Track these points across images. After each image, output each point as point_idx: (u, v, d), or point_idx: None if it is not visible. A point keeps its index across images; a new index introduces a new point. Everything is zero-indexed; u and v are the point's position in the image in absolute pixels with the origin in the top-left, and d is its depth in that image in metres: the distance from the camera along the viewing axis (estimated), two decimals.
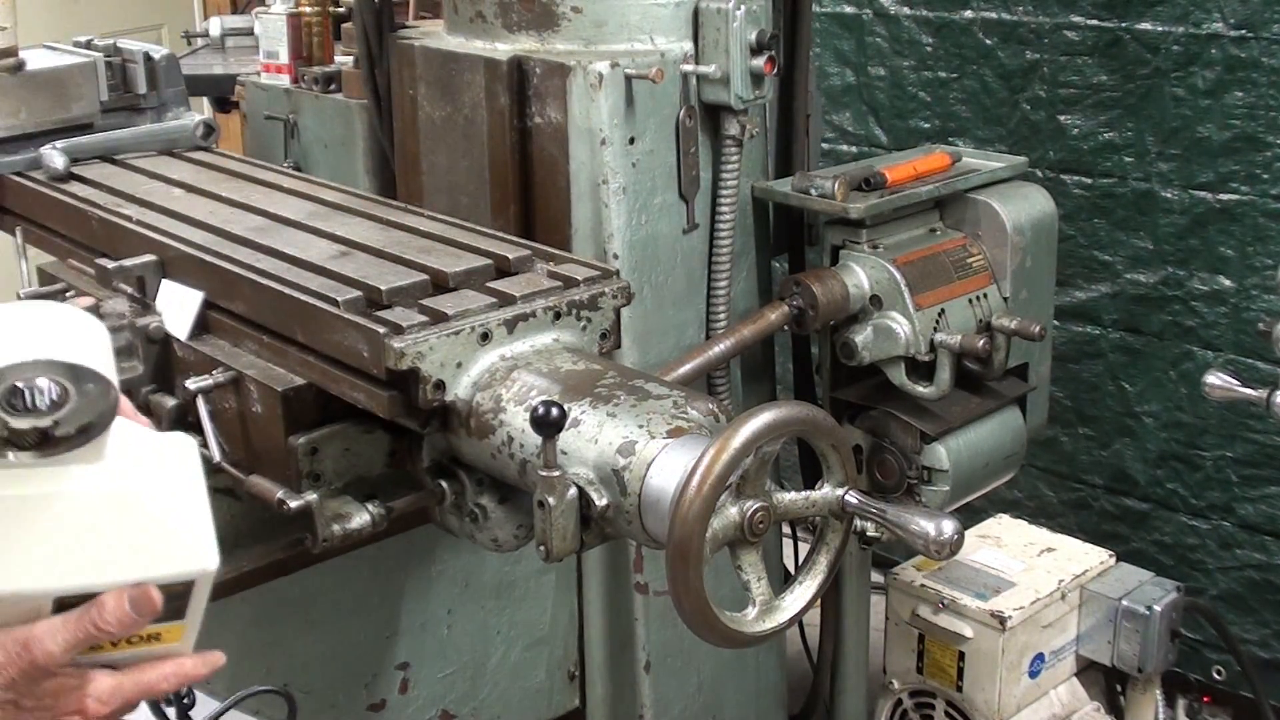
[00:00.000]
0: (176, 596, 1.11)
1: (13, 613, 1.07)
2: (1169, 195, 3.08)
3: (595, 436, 1.49)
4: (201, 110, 3.02)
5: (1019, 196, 2.51)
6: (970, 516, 2.88)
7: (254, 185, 2.30)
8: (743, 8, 2.20)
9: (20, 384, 1.05)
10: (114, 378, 1.09)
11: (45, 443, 1.07)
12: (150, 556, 1.09)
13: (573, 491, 1.46)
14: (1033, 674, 2.63)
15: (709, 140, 2.29)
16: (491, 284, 1.75)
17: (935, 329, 2.31)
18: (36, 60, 2.44)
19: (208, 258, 1.91)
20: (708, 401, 1.56)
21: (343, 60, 2.92)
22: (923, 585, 2.64)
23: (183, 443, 1.17)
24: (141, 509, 1.10)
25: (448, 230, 1.99)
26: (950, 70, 3.40)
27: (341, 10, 3.06)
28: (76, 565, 1.08)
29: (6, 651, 1.06)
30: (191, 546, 1.11)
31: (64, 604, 1.07)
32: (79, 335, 1.10)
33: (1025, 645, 2.59)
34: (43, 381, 1.06)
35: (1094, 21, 3.12)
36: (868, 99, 3.58)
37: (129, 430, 1.14)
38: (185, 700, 1.51)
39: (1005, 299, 2.45)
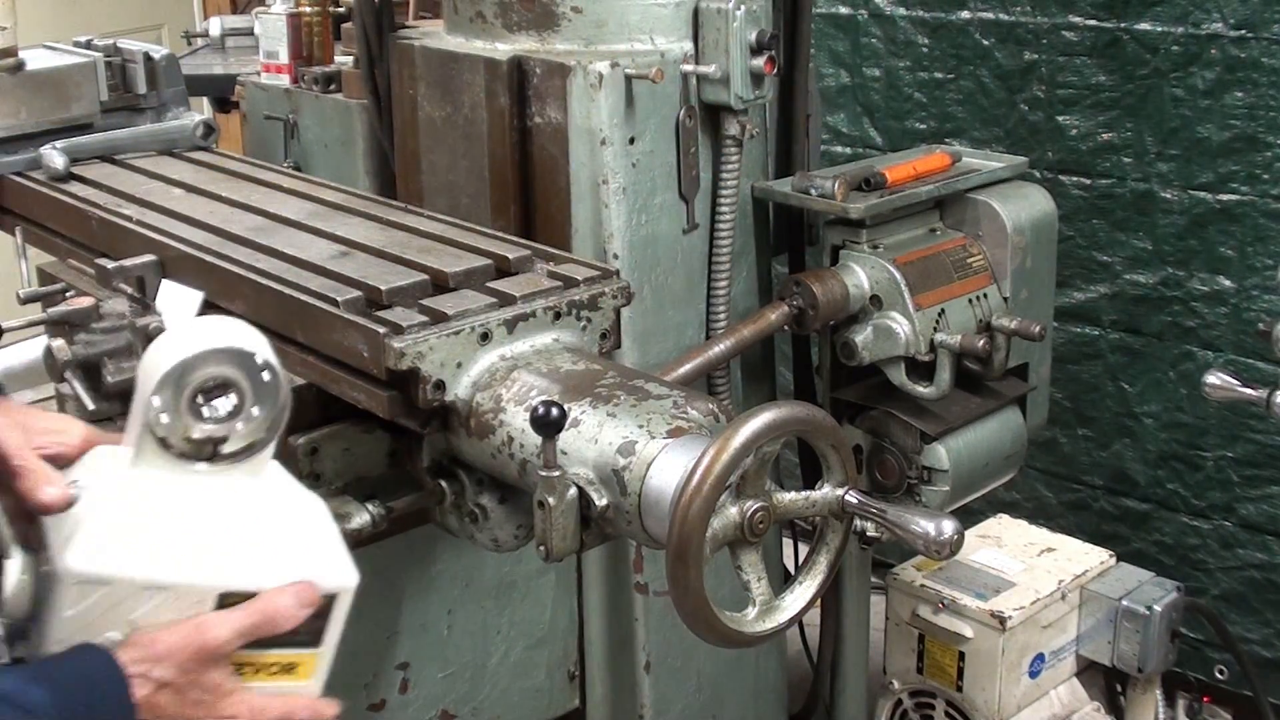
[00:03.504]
0: (318, 616, 1.22)
1: (178, 606, 1.16)
2: (1168, 196, 3.08)
3: (595, 436, 1.49)
4: (201, 110, 3.02)
5: (1019, 196, 2.51)
6: (969, 518, 2.88)
7: (254, 185, 2.30)
8: (743, 8, 2.20)
9: (204, 390, 1.19)
10: (284, 378, 1.22)
11: (216, 456, 1.20)
12: (304, 568, 1.21)
13: (573, 491, 1.46)
14: (1033, 674, 2.63)
15: (709, 140, 2.29)
16: (491, 284, 1.75)
17: (935, 329, 2.31)
18: (36, 60, 2.44)
19: (208, 258, 1.91)
20: (708, 401, 1.56)
21: (343, 60, 2.92)
22: (923, 585, 2.64)
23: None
24: (298, 525, 1.23)
25: (448, 230, 1.99)
26: (947, 71, 3.39)
27: (341, 10, 3.06)
28: (241, 567, 1.19)
29: (181, 634, 1.14)
30: (336, 565, 1.24)
31: (225, 602, 1.17)
32: (251, 339, 1.23)
33: (1025, 645, 2.59)
34: (222, 393, 1.20)
35: (1092, 22, 3.12)
36: (863, 100, 3.57)
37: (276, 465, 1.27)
38: None
39: (1005, 299, 2.45)
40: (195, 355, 1.19)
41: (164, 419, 1.19)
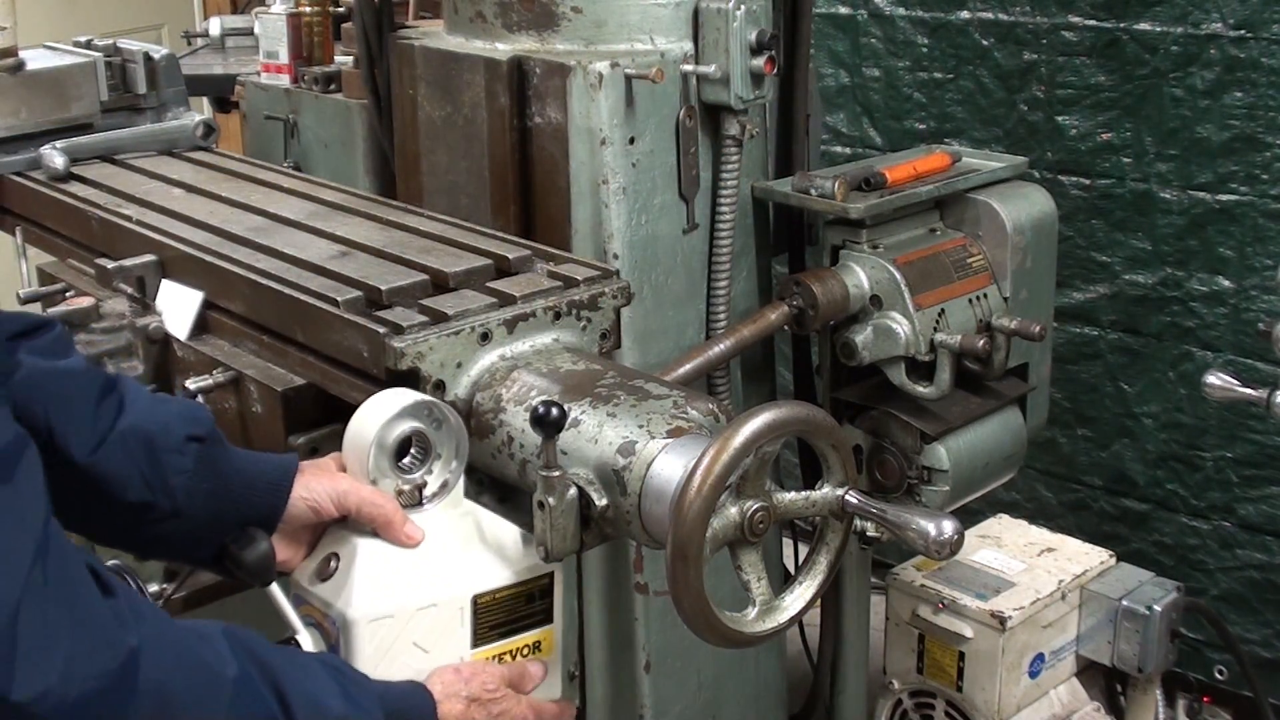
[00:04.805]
0: (543, 595, 1.49)
1: (445, 617, 1.43)
2: (1167, 196, 3.08)
3: (595, 436, 1.50)
4: (201, 110, 3.03)
5: (1019, 196, 2.51)
6: (969, 518, 2.88)
7: (254, 185, 2.30)
8: (743, 8, 2.20)
9: (399, 446, 1.48)
10: (456, 421, 1.51)
11: (422, 500, 1.50)
12: (520, 563, 1.48)
13: (573, 491, 1.46)
14: (1033, 674, 2.63)
15: (709, 140, 2.29)
16: (491, 284, 1.76)
17: (935, 329, 2.31)
18: (36, 60, 2.44)
19: (208, 258, 1.91)
20: (708, 401, 1.56)
21: (343, 60, 2.92)
22: (923, 585, 2.64)
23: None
24: (498, 532, 1.50)
25: (448, 230, 2.00)
26: (946, 71, 3.39)
27: (341, 10, 3.06)
28: (478, 573, 1.45)
29: (475, 668, 1.43)
30: (535, 554, 1.47)
31: (478, 602, 1.44)
32: (419, 395, 1.52)
33: (1025, 645, 2.59)
34: (411, 449, 1.49)
35: (1092, 22, 3.12)
36: (862, 100, 3.57)
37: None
38: None
39: (1005, 299, 2.45)
40: (388, 421, 1.46)
41: (379, 483, 1.47)
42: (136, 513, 1.40)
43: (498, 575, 1.46)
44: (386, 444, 1.47)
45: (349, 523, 1.48)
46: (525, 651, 1.49)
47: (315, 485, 1.47)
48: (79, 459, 1.36)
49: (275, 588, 1.47)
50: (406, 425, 1.48)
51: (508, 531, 1.51)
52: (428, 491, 1.50)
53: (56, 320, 1.46)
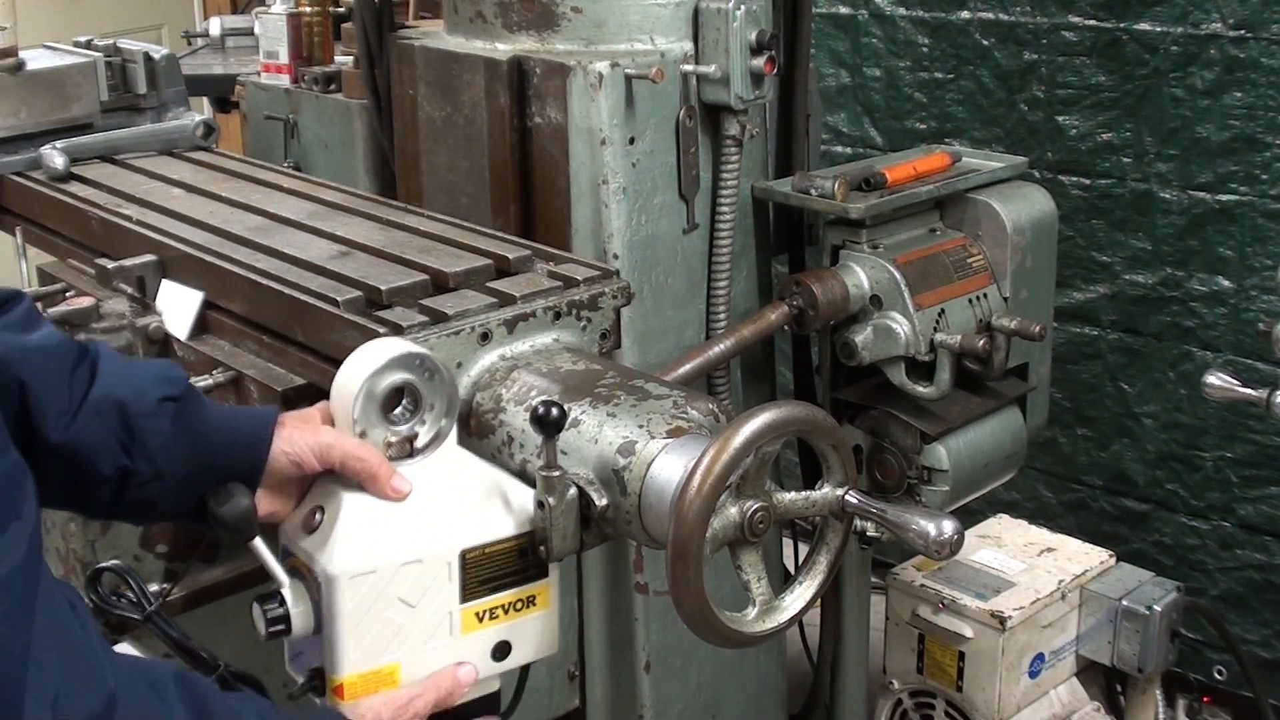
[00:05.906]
0: (536, 550, 1.44)
1: (430, 573, 1.39)
2: (1167, 196, 3.08)
3: (595, 436, 1.50)
4: (201, 110, 3.03)
5: (1019, 196, 2.51)
6: (969, 518, 2.88)
7: (254, 185, 2.30)
8: (743, 8, 2.20)
9: (389, 402, 1.44)
10: (446, 372, 1.47)
11: (413, 452, 1.46)
12: (512, 517, 1.44)
13: (573, 491, 1.46)
14: (1033, 674, 2.63)
15: (709, 140, 2.29)
16: (491, 284, 1.76)
17: (935, 329, 2.31)
18: (36, 60, 2.44)
19: (208, 258, 1.91)
20: (708, 401, 1.56)
21: (343, 60, 2.93)
22: (923, 585, 2.64)
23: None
24: (489, 485, 1.47)
25: (448, 230, 2.00)
26: (947, 71, 3.40)
27: (341, 10, 3.07)
28: (466, 528, 1.42)
29: (395, 705, 1.39)
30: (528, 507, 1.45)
31: (465, 558, 1.41)
32: (411, 345, 1.48)
33: (1025, 645, 2.59)
34: (401, 400, 1.45)
35: (1092, 22, 3.12)
36: (863, 100, 3.57)
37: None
38: None
39: (1005, 299, 2.45)
40: (376, 371, 1.42)
41: (368, 434, 1.43)
42: (118, 480, 1.37)
43: (488, 530, 1.43)
44: (375, 394, 1.43)
45: (336, 474, 1.44)
46: (519, 606, 1.46)
47: (297, 438, 1.43)
48: (55, 437, 1.33)
49: (259, 542, 1.43)
50: (396, 376, 1.44)
51: (502, 484, 1.48)
52: (419, 443, 1.46)
53: (24, 292, 1.42)
